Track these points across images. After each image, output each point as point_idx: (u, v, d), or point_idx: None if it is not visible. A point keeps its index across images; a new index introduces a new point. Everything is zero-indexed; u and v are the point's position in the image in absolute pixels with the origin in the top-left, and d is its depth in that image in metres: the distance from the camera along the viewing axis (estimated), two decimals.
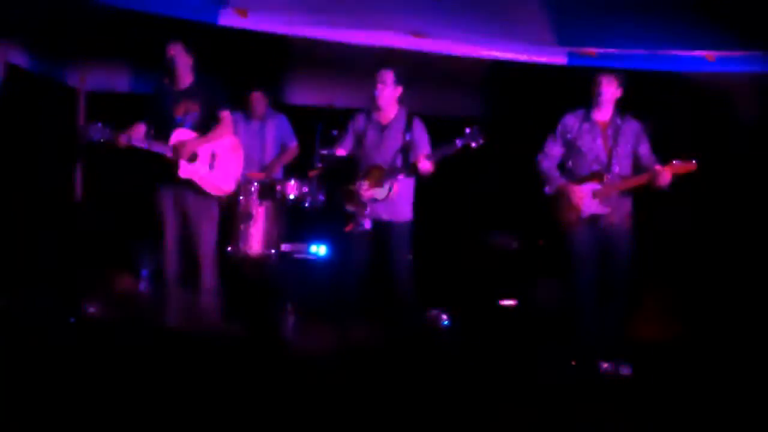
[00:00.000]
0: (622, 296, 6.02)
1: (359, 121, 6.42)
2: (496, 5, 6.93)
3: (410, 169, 6.20)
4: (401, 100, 6.38)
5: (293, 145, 7.56)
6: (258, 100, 7.50)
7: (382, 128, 6.35)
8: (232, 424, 4.29)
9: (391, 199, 6.23)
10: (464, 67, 7.35)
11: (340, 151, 6.41)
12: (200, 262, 6.18)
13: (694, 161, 5.86)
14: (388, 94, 6.29)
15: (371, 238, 6.25)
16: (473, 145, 6.07)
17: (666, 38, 6.89)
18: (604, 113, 6.11)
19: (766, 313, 6.71)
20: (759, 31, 6.63)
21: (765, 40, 6.71)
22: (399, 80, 6.29)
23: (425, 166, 6.11)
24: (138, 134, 6.15)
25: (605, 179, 6.02)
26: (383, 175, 6.23)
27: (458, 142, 6.07)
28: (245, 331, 6.12)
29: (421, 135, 6.34)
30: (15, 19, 7.02)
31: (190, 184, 6.15)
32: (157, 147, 6.08)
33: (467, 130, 6.06)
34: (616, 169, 6.05)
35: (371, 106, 6.38)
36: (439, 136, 6.36)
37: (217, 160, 6.23)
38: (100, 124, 6.03)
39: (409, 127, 6.29)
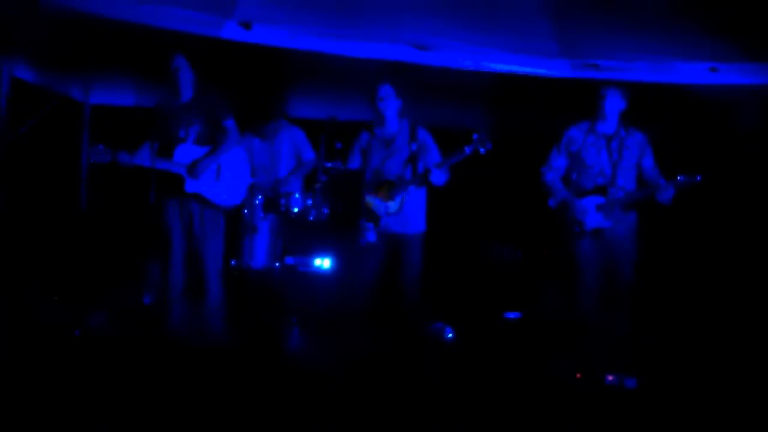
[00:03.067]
0: (626, 308, 6.01)
1: (363, 138, 6.46)
2: (499, 18, 6.94)
3: (420, 179, 6.25)
4: (402, 113, 6.42)
5: (309, 157, 7.54)
6: (270, 128, 7.52)
7: (388, 142, 6.40)
8: None
9: (403, 211, 6.26)
10: (467, 80, 7.36)
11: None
12: (206, 275, 6.18)
13: (698, 176, 5.85)
14: (391, 108, 6.34)
15: (381, 250, 6.25)
16: (482, 150, 6.12)
17: (669, 50, 6.90)
18: (608, 126, 6.12)
19: None
20: (762, 42, 6.64)
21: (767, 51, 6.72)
22: (398, 93, 6.35)
23: (437, 177, 6.17)
24: (142, 154, 6.16)
25: (609, 193, 6.03)
26: (394, 188, 6.26)
27: (467, 149, 6.13)
28: (250, 343, 6.12)
29: (427, 142, 6.39)
30: (20, 33, 7.04)
31: (196, 197, 6.16)
32: (162, 164, 6.09)
33: (475, 136, 6.13)
34: (621, 182, 6.05)
35: (374, 122, 6.43)
36: (443, 148, 6.38)
37: (222, 170, 6.23)
38: (102, 147, 6.04)
39: (413, 137, 6.33)
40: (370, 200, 6.31)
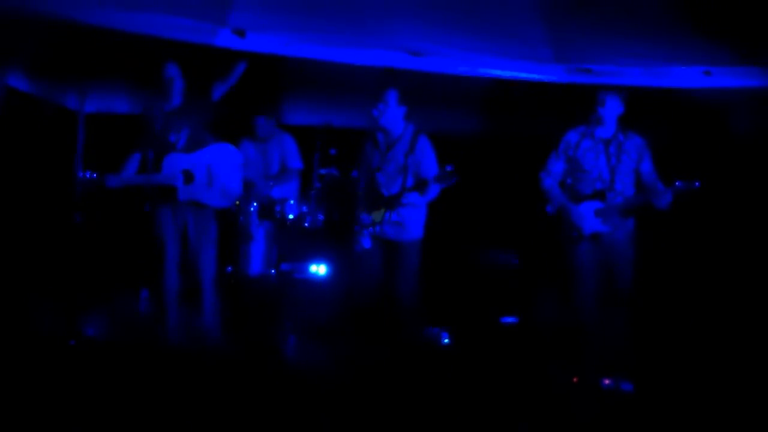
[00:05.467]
0: (624, 313, 6.01)
1: (367, 144, 6.39)
2: (493, 23, 6.94)
3: (397, 197, 6.17)
4: (407, 119, 6.33)
5: (294, 167, 7.52)
6: (262, 126, 7.53)
7: (386, 149, 6.31)
8: None
9: (400, 219, 6.22)
10: (462, 85, 7.37)
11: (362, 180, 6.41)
12: (201, 282, 6.18)
13: (696, 182, 5.85)
14: (391, 114, 6.24)
15: (378, 256, 6.24)
16: (445, 184, 5.98)
17: (663, 54, 6.90)
18: (607, 130, 6.12)
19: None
20: (756, 46, 6.64)
21: (762, 55, 6.72)
22: (403, 99, 6.25)
23: (411, 198, 6.11)
24: (131, 171, 6.17)
25: (607, 198, 6.02)
26: (383, 205, 6.22)
27: (432, 185, 6.00)
28: (246, 350, 6.11)
29: (424, 154, 6.26)
30: (14, 42, 7.04)
31: (190, 203, 6.16)
32: (154, 179, 6.10)
33: (446, 168, 5.95)
34: (619, 186, 6.05)
35: (374, 127, 6.34)
36: (437, 154, 6.37)
37: (213, 171, 6.22)
38: (87, 173, 6.04)
39: (412, 147, 6.22)
40: (363, 216, 6.27)
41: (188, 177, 6.15)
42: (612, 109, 6.08)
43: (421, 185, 6.06)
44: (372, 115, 6.26)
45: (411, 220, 6.25)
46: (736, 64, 6.86)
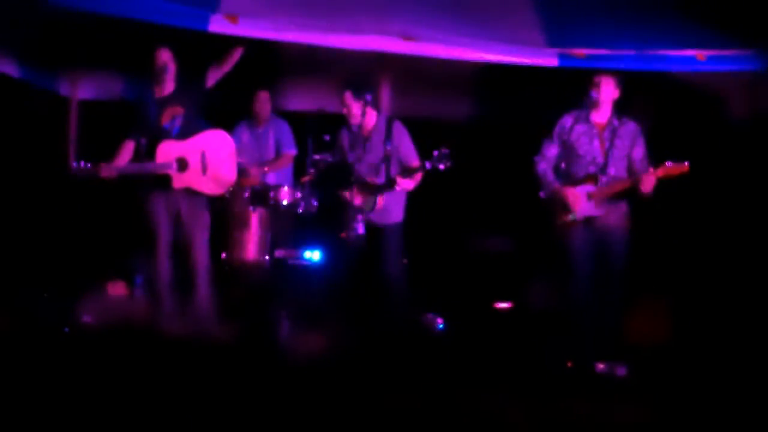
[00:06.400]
0: (617, 297, 6.02)
1: (343, 135, 6.60)
2: (485, 8, 6.93)
3: (389, 184, 6.37)
4: (375, 106, 6.60)
5: (289, 152, 7.55)
6: (264, 101, 7.53)
7: (364, 140, 6.54)
8: (227, 430, 4.28)
9: (378, 208, 6.40)
10: (455, 70, 7.34)
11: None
12: (194, 268, 6.18)
13: (686, 163, 5.86)
14: (356, 111, 6.47)
15: (365, 242, 6.33)
16: (441, 167, 6.20)
17: (656, 38, 6.88)
18: (602, 114, 6.11)
19: (763, 313, 6.71)
20: (749, 30, 6.64)
21: (755, 39, 6.71)
22: (359, 93, 6.48)
23: (404, 185, 6.33)
24: (125, 159, 6.15)
25: (600, 181, 6.02)
26: (367, 190, 6.33)
27: (427, 164, 6.24)
28: (240, 337, 6.12)
29: (402, 141, 6.51)
30: (4, 28, 7.01)
31: (184, 192, 6.15)
32: (148, 167, 6.10)
33: (435, 153, 6.21)
34: (612, 171, 6.05)
35: (348, 120, 6.57)
36: (430, 140, 6.39)
37: (207, 158, 6.21)
38: (82, 163, 6.03)
39: (389, 135, 6.47)
40: (349, 195, 6.38)
41: (182, 164, 6.14)
42: (607, 93, 6.07)
43: (412, 170, 6.20)
44: (344, 115, 6.50)
45: (394, 205, 6.47)
46: (731, 48, 6.86)
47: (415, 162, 6.39)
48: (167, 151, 6.12)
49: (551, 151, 6.19)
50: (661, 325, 6.82)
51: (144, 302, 6.55)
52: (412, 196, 6.52)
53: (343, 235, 6.37)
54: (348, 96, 6.50)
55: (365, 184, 6.43)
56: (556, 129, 6.19)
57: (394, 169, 6.39)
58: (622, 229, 6.08)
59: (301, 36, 6.92)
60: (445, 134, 6.32)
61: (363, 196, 6.39)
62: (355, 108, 6.49)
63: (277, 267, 7.03)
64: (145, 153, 6.14)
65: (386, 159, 6.43)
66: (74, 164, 6.06)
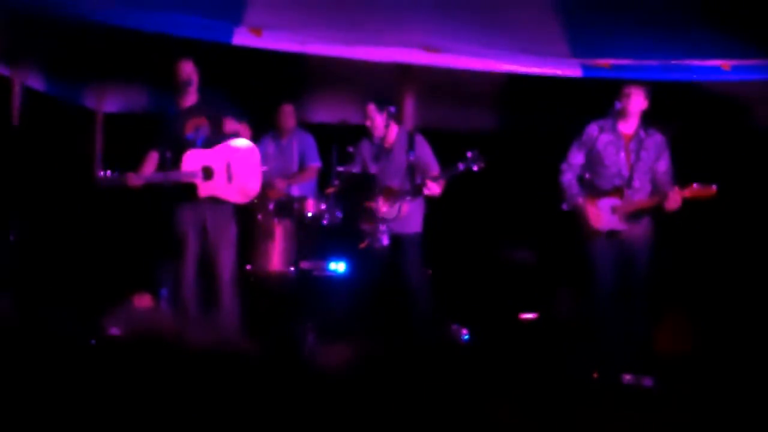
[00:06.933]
0: (642, 309, 5.98)
1: (364, 147, 6.64)
2: (509, 19, 6.94)
3: (416, 191, 6.41)
4: (397, 119, 6.64)
5: (313, 165, 7.56)
6: (288, 114, 7.56)
7: (386, 152, 6.58)
8: None
9: (402, 216, 6.42)
10: (478, 81, 7.36)
11: None
12: (220, 281, 6.18)
13: (713, 186, 5.78)
14: (379, 123, 6.52)
15: (390, 252, 6.36)
16: (474, 168, 6.25)
17: (680, 48, 6.88)
18: (629, 125, 6.05)
19: None
20: None
21: None
22: (383, 106, 6.52)
23: (432, 189, 6.32)
24: (150, 169, 6.18)
25: (625, 195, 5.98)
26: (393, 196, 6.40)
27: (460, 166, 6.27)
28: (265, 349, 6.12)
29: (424, 152, 6.56)
30: (32, 43, 7.07)
31: (210, 202, 6.17)
32: (174, 176, 6.11)
33: (468, 154, 6.24)
34: (637, 183, 6.00)
35: (370, 132, 6.61)
36: (455, 150, 6.39)
37: (233, 167, 6.23)
38: (108, 173, 6.06)
39: (411, 146, 6.50)
40: (374, 203, 6.44)
41: (207, 173, 6.16)
42: (636, 104, 6.01)
43: (445, 171, 6.32)
44: (366, 127, 6.56)
45: (415, 214, 6.52)
46: (756, 58, 6.83)
47: (436, 172, 6.41)
48: (193, 160, 6.14)
49: (577, 158, 6.13)
50: (687, 337, 6.79)
51: (170, 314, 6.57)
52: (438, 206, 6.53)
53: (365, 245, 6.39)
54: (371, 108, 6.52)
55: (391, 191, 6.45)
56: (584, 137, 6.13)
57: (417, 179, 6.42)
58: (645, 241, 6.03)
59: (324, 48, 6.96)
60: (469, 145, 6.32)
61: (389, 204, 6.42)
62: (378, 120, 6.53)
63: (302, 278, 7.03)
64: (171, 164, 6.16)
65: (410, 169, 6.47)
66: (101, 173, 6.08)
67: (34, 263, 7.26)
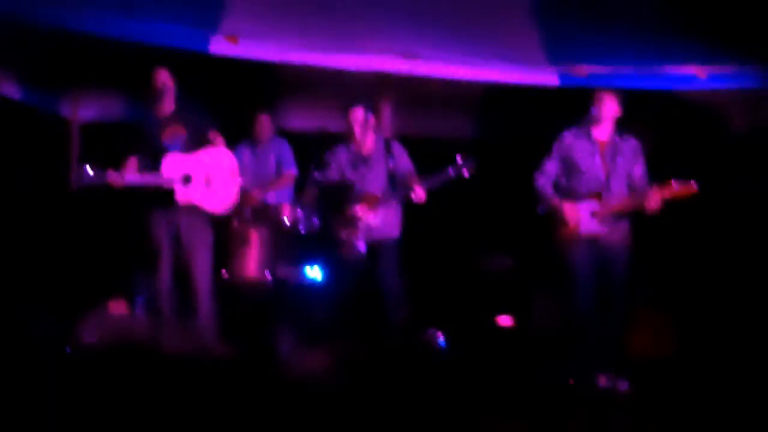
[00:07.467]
0: (620, 313, 5.99)
1: (340, 153, 6.62)
2: (486, 26, 6.96)
3: (403, 198, 6.43)
4: (376, 128, 6.66)
5: (290, 172, 7.56)
6: (265, 124, 7.56)
7: (364, 159, 6.60)
8: None
9: (384, 220, 6.45)
10: (456, 89, 7.37)
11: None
12: (196, 287, 6.17)
13: (693, 182, 5.82)
14: (358, 131, 6.56)
15: (365, 259, 6.37)
16: (465, 173, 6.32)
17: (656, 55, 6.90)
18: (603, 131, 6.08)
19: (765, 327, 6.70)
20: (749, 46, 6.66)
21: (755, 55, 6.73)
22: (369, 112, 6.56)
23: (420, 195, 6.36)
24: (130, 170, 6.16)
25: (603, 198, 6.00)
26: (377, 202, 6.42)
27: (450, 171, 6.34)
28: (241, 355, 6.11)
29: (403, 159, 6.62)
30: (6, 51, 7.04)
31: (184, 209, 6.15)
32: (150, 179, 6.10)
33: (458, 159, 6.30)
34: (615, 188, 6.03)
35: (349, 139, 6.62)
36: (432, 158, 6.41)
37: (211, 175, 6.23)
38: (88, 168, 6.02)
39: (389, 153, 6.56)
40: (354, 210, 6.43)
41: (186, 179, 6.15)
42: (609, 109, 6.05)
43: (435, 177, 6.34)
44: (349, 130, 6.58)
45: (394, 220, 6.53)
46: (731, 65, 6.87)
47: (415, 179, 6.44)
48: (173, 166, 6.13)
49: (551, 167, 6.17)
50: (663, 340, 6.81)
51: (145, 321, 6.54)
52: (416, 211, 6.53)
53: (343, 251, 6.39)
54: (359, 111, 6.55)
55: (374, 198, 6.47)
56: (557, 145, 6.18)
57: (399, 186, 6.46)
58: (624, 245, 6.06)
59: (302, 56, 6.95)
60: (447, 152, 6.34)
61: (372, 211, 6.43)
62: (357, 127, 6.53)
63: (279, 285, 7.02)
64: (150, 170, 6.14)
65: (391, 176, 6.52)
66: (84, 167, 6.02)
67: (9, 271, 7.22)
